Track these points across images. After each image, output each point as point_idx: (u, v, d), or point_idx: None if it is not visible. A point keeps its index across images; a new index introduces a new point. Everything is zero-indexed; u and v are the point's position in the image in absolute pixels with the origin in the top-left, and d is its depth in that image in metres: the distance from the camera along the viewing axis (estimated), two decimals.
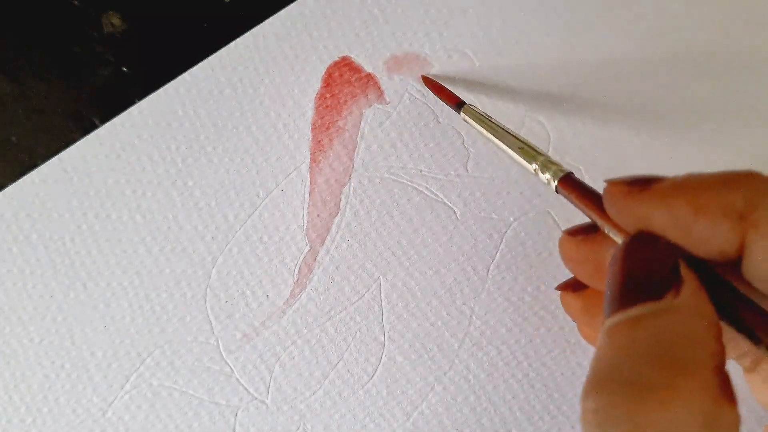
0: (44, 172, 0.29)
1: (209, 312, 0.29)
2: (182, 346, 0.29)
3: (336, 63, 0.30)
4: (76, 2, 0.30)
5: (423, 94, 0.30)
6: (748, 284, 0.16)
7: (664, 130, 0.30)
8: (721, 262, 0.16)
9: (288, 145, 0.30)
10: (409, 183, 0.30)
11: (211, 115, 0.30)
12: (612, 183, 0.17)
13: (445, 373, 0.30)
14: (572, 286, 0.21)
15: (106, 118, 0.29)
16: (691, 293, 0.15)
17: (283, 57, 0.30)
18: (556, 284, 0.30)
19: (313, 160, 0.30)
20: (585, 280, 0.20)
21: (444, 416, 0.30)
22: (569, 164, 0.30)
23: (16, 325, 0.29)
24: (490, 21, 0.30)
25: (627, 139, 0.30)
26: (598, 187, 0.19)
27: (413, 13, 0.30)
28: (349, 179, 0.30)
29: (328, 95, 0.30)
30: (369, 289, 0.30)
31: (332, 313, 0.30)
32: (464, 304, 0.30)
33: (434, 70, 0.30)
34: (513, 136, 0.24)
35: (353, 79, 0.30)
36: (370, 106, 0.30)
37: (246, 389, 0.29)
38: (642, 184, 0.17)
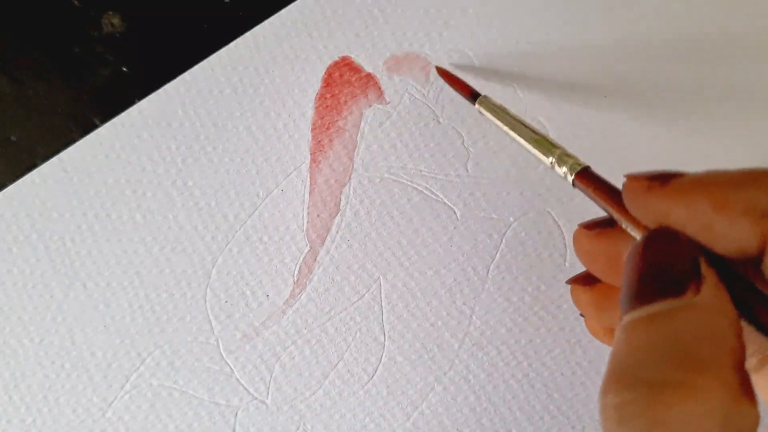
0: (44, 172, 0.29)
1: (209, 312, 0.29)
2: (182, 346, 0.29)
3: (336, 63, 0.30)
4: (76, 2, 0.30)
5: (423, 94, 0.30)
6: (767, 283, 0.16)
7: (667, 128, 0.30)
8: (741, 259, 0.16)
9: (288, 145, 0.30)
10: (409, 183, 0.30)
11: (211, 115, 0.30)
12: (632, 177, 0.17)
13: (445, 373, 0.30)
14: (583, 280, 0.21)
15: (106, 118, 0.29)
16: (711, 290, 0.15)
17: (283, 57, 0.30)
18: (556, 284, 0.30)
19: (313, 160, 0.30)
20: (598, 274, 0.20)
21: (444, 416, 0.30)
22: None
23: (16, 325, 0.29)
24: (490, 21, 0.30)
25: (628, 137, 0.30)
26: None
27: (413, 13, 0.30)
28: (349, 179, 0.30)
29: (328, 95, 0.30)
30: (369, 289, 0.30)
31: (332, 313, 0.30)
32: (464, 304, 0.30)
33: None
34: (529, 128, 0.24)
35: (353, 79, 0.30)
36: (370, 106, 0.30)
37: (246, 389, 0.29)
38: (662, 180, 0.17)
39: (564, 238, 0.30)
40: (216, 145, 0.30)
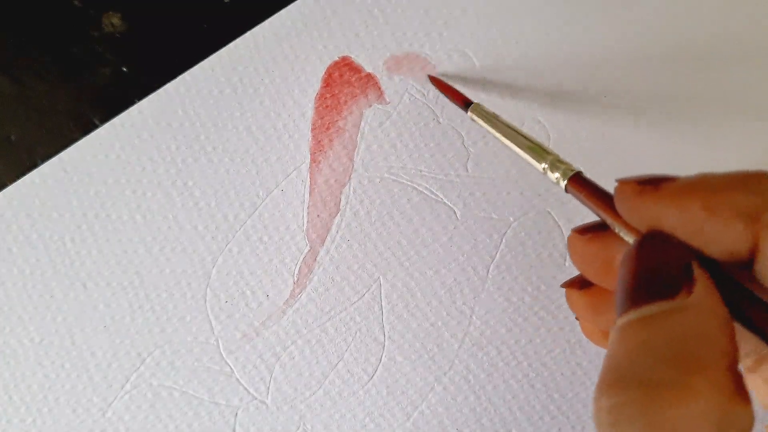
0: (44, 172, 0.29)
1: (209, 312, 0.29)
2: (182, 346, 0.29)
3: (336, 63, 0.30)
4: (76, 2, 0.30)
5: (423, 94, 0.30)
6: (759, 285, 0.16)
7: (665, 129, 0.30)
8: (732, 262, 0.16)
9: (288, 145, 0.30)
10: (409, 183, 0.30)
11: (211, 115, 0.30)
12: (623, 182, 0.17)
13: (445, 373, 0.30)
14: (578, 284, 0.21)
15: (106, 118, 0.29)
16: (704, 292, 0.15)
17: (283, 57, 0.30)
18: (556, 284, 0.30)
19: (313, 160, 0.30)
20: (592, 278, 0.20)
21: (444, 416, 0.30)
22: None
23: (16, 325, 0.29)
24: (490, 21, 0.30)
25: (627, 138, 0.30)
26: (602, 186, 0.19)
27: (413, 13, 0.30)
28: (349, 179, 0.30)
29: (328, 95, 0.30)
30: (369, 289, 0.30)
31: (332, 313, 0.30)
32: (464, 304, 0.30)
33: (436, 70, 0.30)
34: (521, 135, 0.24)
35: (353, 79, 0.30)
36: (370, 106, 0.30)
37: (246, 389, 0.29)
38: (654, 184, 0.17)
39: (564, 238, 0.30)
40: (216, 145, 0.30)
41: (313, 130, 0.30)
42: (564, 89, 0.30)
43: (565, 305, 0.30)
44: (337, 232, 0.30)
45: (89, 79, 0.30)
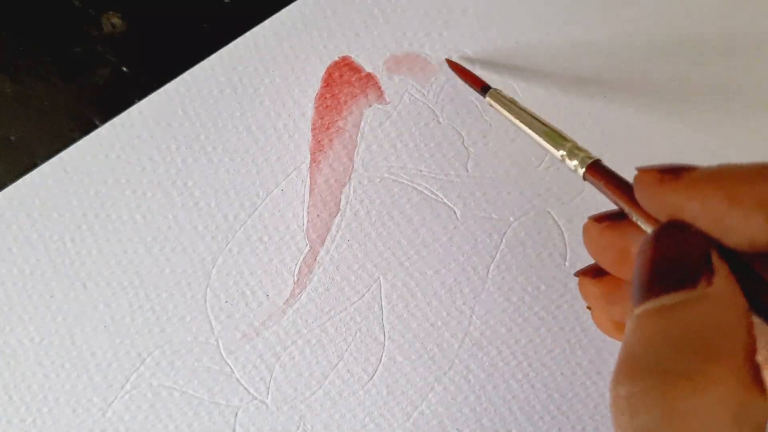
0: (44, 172, 0.29)
1: (209, 312, 0.29)
2: (182, 346, 0.29)
3: (336, 63, 0.30)
4: (76, 2, 0.30)
5: (423, 94, 0.30)
6: None
7: (665, 126, 0.30)
8: (752, 253, 0.16)
9: (288, 145, 0.30)
10: (409, 183, 0.30)
11: (211, 115, 0.30)
12: (643, 170, 0.17)
13: (445, 373, 0.30)
14: (592, 272, 0.21)
15: (106, 118, 0.29)
16: (724, 283, 0.15)
17: (283, 57, 0.30)
18: (556, 284, 0.30)
19: (313, 160, 0.30)
20: (606, 267, 0.20)
21: (444, 416, 0.30)
22: None
23: (16, 325, 0.29)
24: (490, 21, 0.30)
25: (626, 137, 0.30)
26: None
27: (413, 13, 0.30)
28: (349, 179, 0.30)
29: (328, 95, 0.30)
30: (369, 289, 0.30)
31: (332, 313, 0.30)
32: (464, 304, 0.30)
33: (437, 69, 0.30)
34: (540, 121, 0.24)
35: (353, 79, 0.30)
36: (370, 106, 0.30)
37: (246, 389, 0.29)
38: (674, 173, 0.17)
39: (564, 238, 0.30)
40: (216, 145, 0.30)
41: (313, 130, 0.30)
42: (564, 88, 0.30)
43: (566, 305, 0.30)
44: (337, 232, 0.30)
45: (89, 79, 0.30)
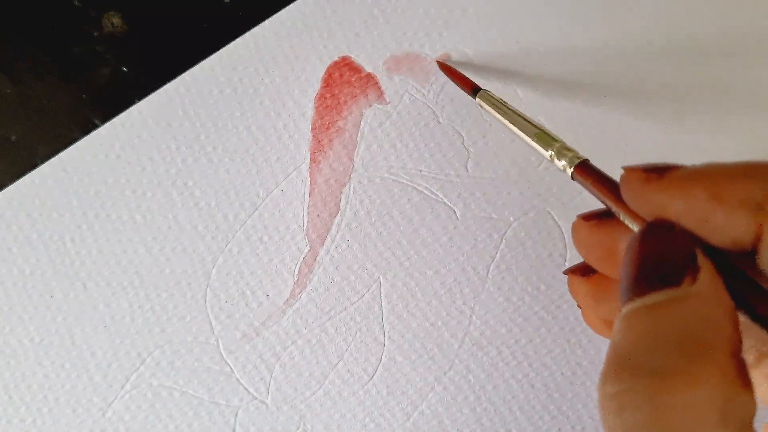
0: (44, 172, 0.29)
1: (209, 312, 0.29)
2: (182, 346, 0.29)
3: (336, 63, 0.30)
4: (76, 2, 0.30)
5: (423, 94, 0.30)
6: (763, 274, 0.16)
7: (664, 126, 0.30)
8: (736, 251, 0.16)
9: (288, 145, 0.30)
10: (409, 183, 0.30)
11: (211, 115, 0.30)
12: (629, 170, 0.18)
13: (445, 373, 0.30)
14: (581, 271, 0.21)
15: (106, 118, 0.29)
16: (708, 281, 0.15)
17: (283, 57, 0.30)
18: (556, 284, 0.30)
19: (313, 160, 0.30)
20: (595, 265, 0.20)
21: (444, 416, 0.30)
22: None
23: (16, 325, 0.29)
24: (490, 21, 0.30)
25: (626, 137, 0.30)
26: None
27: (413, 13, 0.30)
28: (349, 179, 0.30)
29: (328, 95, 0.30)
30: (369, 289, 0.30)
31: (332, 313, 0.30)
32: (464, 304, 0.30)
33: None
34: (529, 122, 0.24)
35: (353, 79, 0.30)
36: (370, 106, 0.30)
37: (246, 389, 0.29)
38: (659, 172, 0.17)
39: (564, 238, 0.30)
40: (216, 145, 0.30)
41: (313, 130, 0.30)
42: (564, 88, 0.30)
43: (566, 305, 0.30)
44: (337, 232, 0.30)
45: (89, 79, 0.30)
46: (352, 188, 0.30)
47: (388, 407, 0.29)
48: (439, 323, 0.30)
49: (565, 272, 0.22)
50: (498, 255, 0.30)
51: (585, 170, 0.20)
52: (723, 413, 0.13)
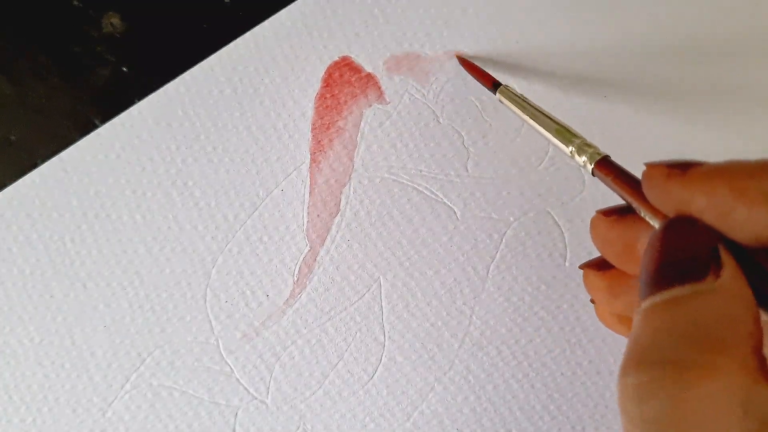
0: (44, 172, 0.29)
1: (209, 312, 0.29)
2: (182, 346, 0.29)
3: (336, 63, 0.30)
4: (76, 2, 0.30)
5: (423, 94, 0.30)
6: None
7: (666, 126, 0.30)
8: (758, 247, 0.16)
9: (288, 145, 0.30)
10: (409, 183, 0.30)
11: (211, 115, 0.30)
12: (652, 166, 0.18)
13: (445, 373, 0.30)
14: (597, 265, 0.21)
15: (106, 118, 0.29)
16: (731, 276, 0.15)
17: (283, 57, 0.30)
18: (556, 284, 0.30)
19: (313, 160, 0.30)
20: (613, 260, 0.20)
21: (444, 416, 0.30)
22: (574, 164, 0.30)
23: (16, 325, 0.29)
24: (490, 21, 0.30)
25: (628, 136, 0.30)
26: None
27: (413, 13, 0.30)
28: (349, 179, 0.30)
29: (328, 95, 0.30)
30: (369, 289, 0.30)
31: (332, 313, 0.30)
32: (464, 304, 0.30)
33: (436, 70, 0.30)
34: (549, 118, 0.24)
35: (353, 79, 0.30)
36: (370, 106, 0.30)
37: (246, 389, 0.29)
38: (682, 168, 0.17)
39: (564, 238, 0.30)
40: (216, 145, 0.30)
41: (313, 130, 0.30)
42: (564, 88, 0.30)
43: (566, 305, 0.30)
44: (337, 232, 0.30)
45: (89, 79, 0.30)
46: (352, 188, 0.30)
47: (388, 407, 0.29)
48: (439, 323, 0.30)
49: (581, 267, 0.22)
50: (498, 255, 0.30)
51: (606, 166, 0.20)
52: (744, 407, 0.14)
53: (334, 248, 0.30)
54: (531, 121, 0.25)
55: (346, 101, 0.30)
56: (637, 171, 0.19)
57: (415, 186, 0.30)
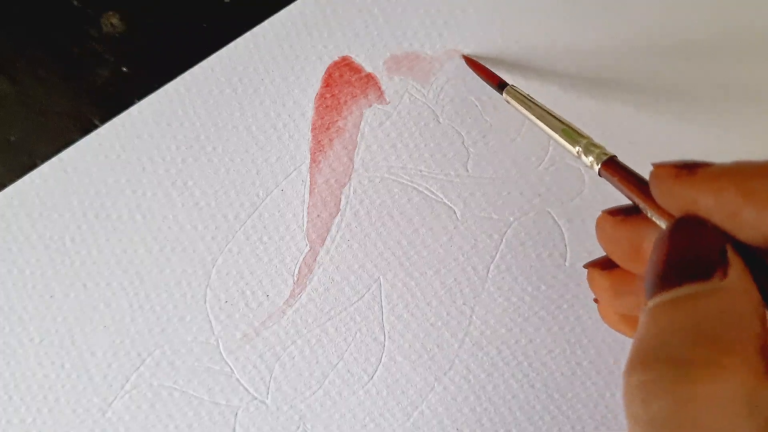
0: (44, 172, 0.29)
1: (209, 312, 0.29)
2: (182, 346, 0.29)
3: (336, 63, 0.30)
4: (75, 2, 0.30)
5: (423, 94, 0.30)
6: None
7: (669, 126, 0.30)
8: (766, 248, 0.16)
9: (288, 145, 0.30)
10: (409, 183, 0.30)
11: (211, 115, 0.30)
12: (659, 166, 0.18)
13: (445, 373, 0.30)
14: (602, 265, 0.21)
15: (106, 118, 0.29)
16: (738, 276, 0.15)
17: (283, 57, 0.30)
18: (556, 284, 0.30)
19: (313, 160, 0.30)
20: (618, 260, 0.20)
21: (444, 416, 0.30)
22: (574, 163, 0.30)
23: (16, 325, 0.29)
24: (490, 21, 0.30)
25: (629, 136, 0.30)
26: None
27: (413, 13, 0.30)
28: (349, 179, 0.30)
29: (328, 95, 0.30)
30: (369, 289, 0.30)
31: (332, 313, 0.30)
32: (464, 304, 0.30)
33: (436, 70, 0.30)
34: (556, 118, 0.24)
35: (353, 79, 0.30)
36: (370, 106, 0.30)
37: (246, 389, 0.29)
38: (690, 168, 0.17)
39: (564, 238, 0.30)
40: (216, 145, 0.30)
41: (313, 130, 0.30)
42: (565, 88, 0.30)
43: (566, 305, 0.30)
44: (337, 232, 0.30)
45: (89, 79, 0.30)
46: (352, 188, 0.30)
47: (388, 407, 0.29)
48: (439, 323, 0.30)
49: (586, 266, 0.22)
50: (498, 255, 0.30)
51: (613, 166, 0.20)
52: (749, 405, 0.14)
53: (334, 248, 0.30)
54: (538, 122, 0.25)
55: (346, 101, 0.30)
56: (643, 171, 0.19)
57: (415, 186, 0.30)
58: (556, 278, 0.30)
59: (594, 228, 0.21)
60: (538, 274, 0.30)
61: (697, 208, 0.17)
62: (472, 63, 0.29)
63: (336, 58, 0.30)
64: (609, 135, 0.30)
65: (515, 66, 0.30)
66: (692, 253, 0.16)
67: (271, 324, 0.30)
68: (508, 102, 0.27)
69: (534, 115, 0.25)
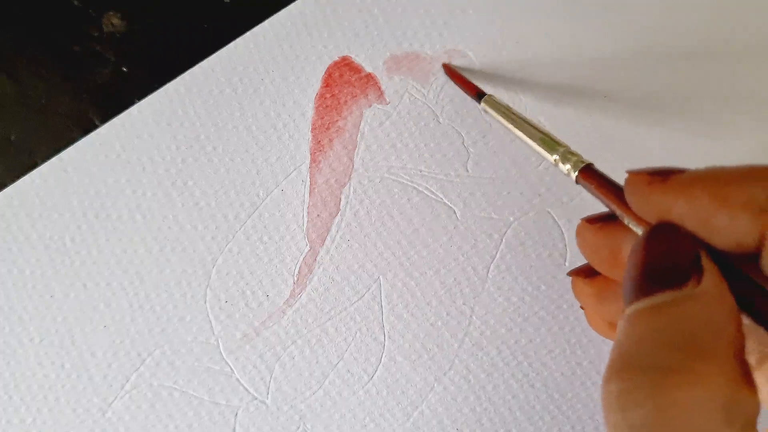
0: (44, 172, 0.29)
1: (209, 312, 0.29)
2: (182, 346, 0.29)
3: (336, 63, 0.30)
4: (76, 2, 0.30)
5: (423, 94, 0.30)
6: (766, 277, 0.16)
7: (665, 129, 0.30)
8: (739, 254, 0.16)
9: (288, 145, 0.30)
10: (409, 183, 0.30)
11: (211, 115, 0.30)
12: (633, 173, 0.18)
13: (445, 373, 0.30)
14: (585, 272, 0.21)
15: (106, 118, 0.29)
16: (712, 282, 0.15)
17: (283, 57, 0.30)
18: (556, 284, 0.30)
19: (313, 160, 0.30)
20: (598, 267, 0.20)
21: (444, 416, 0.30)
22: None
23: (16, 325, 0.29)
24: (490, 21, 0.30)
25: (628, 137, 0.30)
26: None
27: (413, 13, 0.30)
28: (349, 179, 0.30)
29: (328, 95, 0.30)
30: (369, 289, 0.30)
31: (332, 313, 0.30)
32: (464, 304, 0.30)
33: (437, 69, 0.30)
34: (533, 127, 0.24)
35: (353, 79, 0.30)
36: (370, 106, 0.30)
37: (246, 389, 0.29)
38: (663, 175, 0.17)
39: (564, 238, 0.30)
40: (216, 145, 0.30)
41: (313, 130, 0.30)
42: (564, 89, 0.30)
43: (566, 305, 0.30)
44: (337, 232, 0.30)
45: (89, 79, 0.30)
46: (352, 188, 0.30)
47: (388, 407, 0.29)
48: (439, 323, 0.30)
49: (569, 274, 0.22)
50: (498, 255, 0.30)
51: (589, 174, 0.20)
52: (727, 412, 0.14)
53: (334, 248, 0.30)
54: (516, 130, 0.25)
55: (346, 101, 0.30)
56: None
57: (415, 186, 0.30)
58: (556, 278, 0.30)
59: None
60: (538, 274, 0.30)
61: (671, 215, 0.17)
62: (452, 73, 0.29)
63: (336, 58, 0.30)
64: (609, 135, 0.30)
65: (515, 66, 0.30)
66: (667, 260, 0.16)
67: (271, 324, 0.30)
68: (486, 112, 0.27)
69: (512, 125, 0.25)
